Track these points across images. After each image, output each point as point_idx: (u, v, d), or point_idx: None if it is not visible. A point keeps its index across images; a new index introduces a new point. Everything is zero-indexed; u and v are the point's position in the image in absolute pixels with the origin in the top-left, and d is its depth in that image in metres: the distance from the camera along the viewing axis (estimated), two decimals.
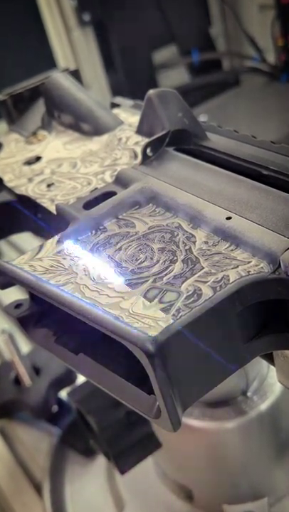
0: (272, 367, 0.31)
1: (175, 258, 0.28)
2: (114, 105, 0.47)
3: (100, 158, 0.40)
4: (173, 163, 0.36)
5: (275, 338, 0.28)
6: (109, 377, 0.28)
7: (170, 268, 0.28)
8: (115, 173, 0.36)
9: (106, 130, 0.43)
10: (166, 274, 0.27)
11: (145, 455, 0.49)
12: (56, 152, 0.43)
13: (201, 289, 0.26)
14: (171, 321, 0.24)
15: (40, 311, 0.32)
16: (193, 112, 0.38)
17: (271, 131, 1.09)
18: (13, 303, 0.33)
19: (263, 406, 0.45)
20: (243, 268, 0.27)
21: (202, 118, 0.79)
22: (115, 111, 0.46)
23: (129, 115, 0.44)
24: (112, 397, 0.28)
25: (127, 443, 0.48)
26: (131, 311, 0.25)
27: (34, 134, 0.47)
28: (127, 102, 0.47)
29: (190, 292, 0.26)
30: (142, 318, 0.25)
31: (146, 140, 0.37)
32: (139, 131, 0.41)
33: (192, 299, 0.25)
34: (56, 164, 0.41)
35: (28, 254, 0.31)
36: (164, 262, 0.28)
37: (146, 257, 0.29)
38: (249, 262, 0.27)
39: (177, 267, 0.28)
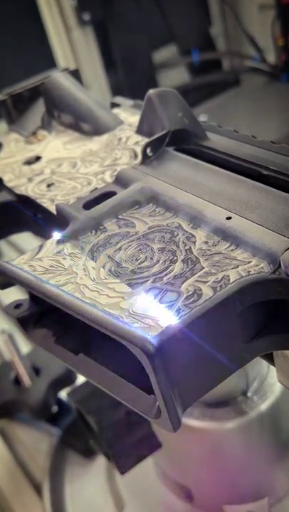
0: (272, 367, 0.31)
1: (175, 258, 0.28)
2: (114, 105, 0.47)
3: (100, 158, 0.40)
4: (173, 163, 0.36)
5: (275, 338, 0.28)
6: (109, 377, 0.28)
7: (170, 268, 0.28)
8: (115, 173, 0.36)
9: (106, 130, 0.43)
10: (166, 274, 0.27)
11: (145, 455, 0.49)
12: (56, 152, 0.43)
13: (201, 289, 0.26)
14: (172, 321, 0.24)
15: (40, 311, 0.32)
16: (193, 112, 0.38)
17: (271, 131, 1.09)
18: (13, 303, 0.33)
19: (263, 406, 0.45)
20: (244, 268, 0.27)
21: (202, 118, 0.79)
22: (115, 111, 0.46)
23: (129, 115, 0.44)
24: (112, 397, 0.28)
25: (127, 443, 0.48)
26: (131, 311, 0.25)
27: (34, 133, 0.47)
28: (127, 102, 0.47)
29: (190, 292, 0.26)
30: (142, 318, 0.25)
31: (146, 140, 0.37)
32: (139, 131, 0.41)
33: (192, 299, 0.25)
34: (56, 164, 0.41)
35: (27, 254, 0.31)
36: (164, 262, 0.28)
37: (146, 257, 0.29)
38: (249, 262, 0.27)
39: (177, 267, 0.28)
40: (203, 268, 0.27)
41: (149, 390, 0.25)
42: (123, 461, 0.49)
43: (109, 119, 0.43)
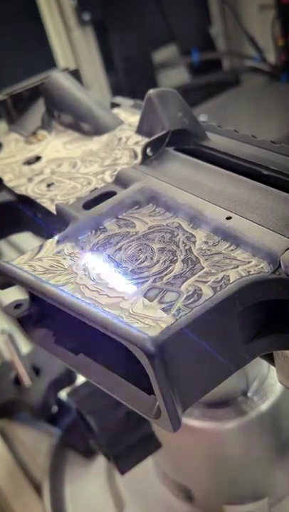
0: (272, 367, 0.31)
1: (175, 258, 0.28)
2: (114, 105, 0.47)
3: (100, 158, 0.40)
4: (173, 163, 0.36)
5: (275, 338, 0.28)
6: (109, 377, 0.28)
7: (170, 268, 0.28)
8: (115, 173, 0.36)
9: (106, 130, 0.43)
10: (166, 274, 0.27)
11: (145, 455, 0.49)
12: (56, 152, 0.43)
13: (201, 289, 0.26)
14: (172, 321, 0.24)
15: (40, 311, 0.32)
16: (193, 112, 0.38)
17: (271, 131, 1.09)
18: (13, 303, 0.33)
19: (264, 406, 0.45)
20: (244, 268, 0.27)
21: (202, 118, 0.79)
22: (115, 111, 0.46)
23: (129, 115, 0.44)
24: (112, 397, 0.28)
25: (127, 443, 0.48)
26: (131, 311, 0.25)
27: (34, 133, 0.47)
28: (127, 102, 0.47)
29: (190, 292, 0.26)
30: (142, 318, 0.25)
31: (146, 140, 0.37)
32: (139, 130, 0.41)
33: (192, 299, 0.25)
34: (56, 164, 0.41)
35: (27, 254, 0.31)
36: (164, 262, 0.28)
37: (146, 257, 0.29)
38: (249, 262, 0.27)
39: (177, 267, 0.28)
40: (203, 268, 0.27)
41: (149, 390, 0.25)
42: (123, 461, 0.49)
43: (109, 119, 0.43)
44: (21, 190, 0.40)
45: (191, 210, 0.31)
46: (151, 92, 0.38)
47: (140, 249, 0.30)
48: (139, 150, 0.38)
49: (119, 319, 0.25)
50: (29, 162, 0.43)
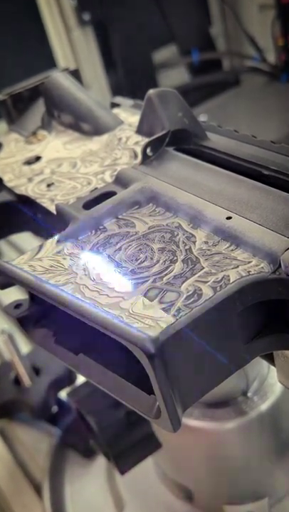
0: (272, 367, 0.31)
1: (175, 258, 0.28)
2: (114, 105, 0.47)
3: (100, 158, 0.40)
4: (173, 163, 0.36)
5: (275, 338, 0.28)
6: (109, 377, 0.28)
7: (170, 268, 0.28)
8: (115, 173, 0.36)
9: (106, 130, 0.43)
10: (166, 274, 0.27)
11: (145, 455, 0.49)
12: (56, 152, 0.43)
13: (201, 289, 0.26)
14: (172, 321, 0.24)
15: (40, 311, 0.32)
16: (193, 112, 0.38)
17: (271, 131, 1.09)
18: (13, 303, 0.33)
19: (264, 406, 0.45)
20: (244, 268, 0.27)
21: (202, 118, 0.79)
22: (115, 111, 0.46)
23: (129, 115, 0.44)
24: (112, 397, 0.28)
25: (127, 443, 0.48)
26: (131, 311, 0.25)
27: (34, 133, 0.47)
28: (127, 102, 0.47)
29: (190, 292, 0.26)
30: (142, 318, 0.25)
31: (146, 140, 0.37)
32: (139, 130, 0.41)
33: (192, 299, 0.25)
34: (56, 164, 0.41)
35: (27, 254, 0.31)
36: (164, 262, 0.28)
37: (146, 257, 0.29)
38: (249, 262, 0.27)
39: (177, 267, 0.28)
40: (203, 268, 0.27)
41: (149, 390, 0.25)
42: (123, 461, 0.49)
43: (109, 119, 0.43)
44: (21, 190, 0.40)
45: (191, 210, 0.31)
46: (151, 92, 0.38)
47: (140, 249, 0.30)
48: (139, 150, 0.38)
49: (119, 319, 0.25)
50: (29, 162, 0.43)
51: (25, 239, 0.65)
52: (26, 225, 0.42)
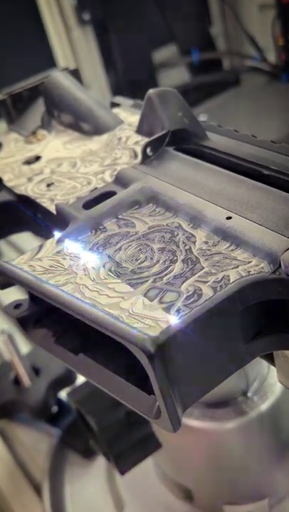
0: (272, 367, 0.31)
1: (175, 258, 0.28)
2: (114, 105, 0.47)
3: (100, 158, 0.40)
4: (173, 162, 0.36)
5: (275, 338, 0.28)
6: (109, 377, 0.28)
7: (170, 268, 0.28)
8: (115, 173, 0.36)
9: (106, 129, 0.43)
10: (166, 274, 0.27)
11: (145, 455, 0.49)
12: (56, 152, 0.43)
13: (201, 289, 0.26)
14: (172, 321, 0.24)
15: (40, 311, 0.32)
16: (193, 112, 0.38)
17: (271, 131, 1.09)
18: (13, 303, 0.32)
19: (264, 406, 0.45)
20: (244, 268, 0.26)
21: (202, 118, 0.79)
22: (115, 110, 0.46)
23: (129, 115, 0.44)
24: (112, 397, 0.28)
25: (127, 443, 0.48)
26: (131, 311, 0.25)
27: (34, 133, 0.47)
28: (127, 102, 0.47)
29: (190, 292, 0.26)
30: (142, 318, 0.25)
31: (146, 139, 0.37)
32: (139, 130, 0.40)
33: (192, 299, 0.25)
34: (56, 164, 0.41)
35: (27, 254, 0.31)
36: (164, 262, 0.28)
37: (146, 257, 0.29)
38: (249, 262, 0.27)
39: (177, 267, 0.28)
40: (204, 268, 0.27)
41: (149, 390, 0.25)
42: (123, 461, 0.49)
43: (109, 119, 0.43)
44: (21, 190, 0.40)
45: (191, 210, 0.31)
46: (151, 91, 0.38)
47: (140, 249, 0.30)
48: (139, 150, 0.37)
49: (119, 319, 0.25)
50: (29, 162, 0.43)
51: (25, 239, 0.65)
52: (26, 225, 0.42)
